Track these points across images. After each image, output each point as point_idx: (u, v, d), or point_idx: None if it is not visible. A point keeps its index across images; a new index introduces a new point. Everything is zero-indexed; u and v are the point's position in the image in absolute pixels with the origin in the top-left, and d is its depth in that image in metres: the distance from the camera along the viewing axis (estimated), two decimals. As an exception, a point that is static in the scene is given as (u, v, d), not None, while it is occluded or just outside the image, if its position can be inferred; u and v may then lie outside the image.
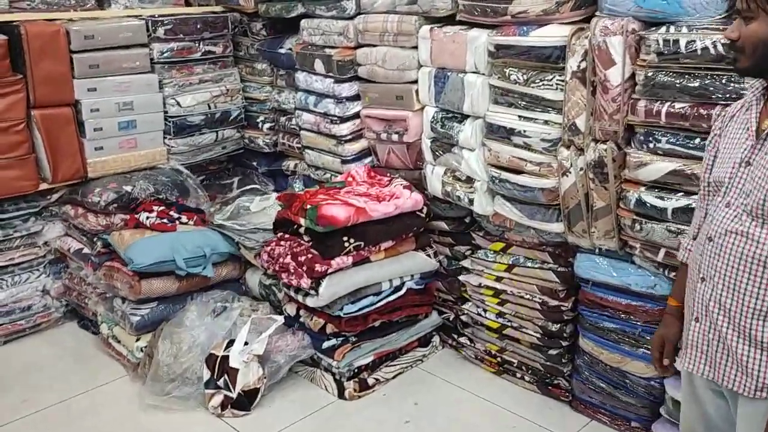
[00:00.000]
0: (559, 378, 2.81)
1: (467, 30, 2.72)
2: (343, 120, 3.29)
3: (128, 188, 3.38)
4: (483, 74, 2.70)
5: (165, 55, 3.55)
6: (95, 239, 3.31)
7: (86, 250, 3.36)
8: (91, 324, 3.45)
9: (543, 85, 2.47)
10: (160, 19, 3.50)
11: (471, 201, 2.86)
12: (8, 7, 3.14)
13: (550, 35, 2.41)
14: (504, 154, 2.64)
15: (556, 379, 2.82)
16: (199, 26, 3.63)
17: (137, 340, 3.06)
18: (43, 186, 3.34)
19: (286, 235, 3.01)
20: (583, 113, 2.36)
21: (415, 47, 2.93)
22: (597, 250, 2.52)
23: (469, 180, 2.87)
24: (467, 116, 2.82)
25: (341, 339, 2.91)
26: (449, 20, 2.84)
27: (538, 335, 2.81)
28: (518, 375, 2.94)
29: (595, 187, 2.38)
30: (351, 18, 3.15)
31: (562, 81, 2.41)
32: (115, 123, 3.46)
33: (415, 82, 2.98)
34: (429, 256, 3.10)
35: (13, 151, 3.17)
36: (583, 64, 2.31)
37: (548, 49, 2.41)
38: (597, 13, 2.31)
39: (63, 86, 3.25)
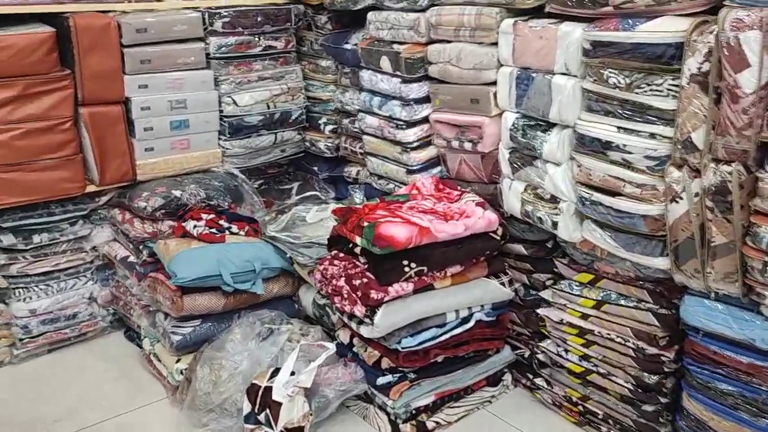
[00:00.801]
0: (655, 439, 2.36)
1: (558, 24, 2.31)
2: (410, 125, 2.93)
3: (177, 193, 3.14)
4: (575, 76, 2.29)
5: (222, 50, 3.28)
6: (141, 247, 3.08)
7: (132, 259, 3.14)
8: (136, 336, 3.24)
9: (650, 90, 2.03)
10: (218, 11, 3.23)
11: (555, 224, 2.44)
12: (57, -3, 2.94)
13: (664, 30, 1.97)
14: (597, 172, 2.22)
15: (650, 440, 2.38)
16: (259, 19, 3.35)
17: (177, 361, 2.81)
18: (91, 188, 3.15)
19: (341, 254, 2.68)
20: (703, 126, 1.91)
21: (495, 44, 2.53)
22: (713, 295, 2.06)
23: (554, 199, 2.45)
24: (554, 125, 2.41)
25: (398, 375, 2.56)
26: (536, 12, 2.44)
27: (631, 387, 2.37)
28: (603, 429, 2.51)
29: (715, 219, 1.93)
30: (423, 10, 2.79)
31: (676, 86, 1.96)
32: (167, 122, 3.23)
33: (494, 83, 2.59)
34: (503, 284, 2.70)
35: (60, 151, 2.98)
36: (706, 66, 1.86)
37: (660, 47, 1.97)
38: (726, 3, 1.85)
39: (113, 83, 3.04)
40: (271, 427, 2.46)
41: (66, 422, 2.69)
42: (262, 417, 2.48)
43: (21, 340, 3.11)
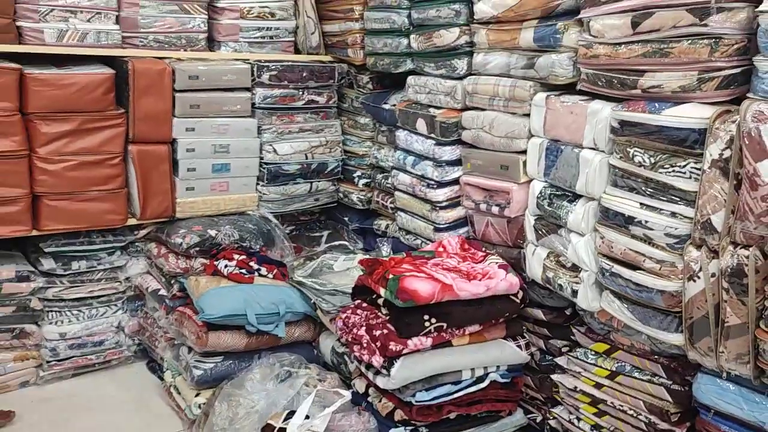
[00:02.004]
0: None
1: (588, 101, 2.42)
2: (441, 185, 3.04)
3: (213, 232, 3.27)
4: (602, 152, 2.38)
5: (267, 100, 3.47)
6: (172, 281, 3.20)
7: (162, 292, 3.26)
8: (158, 368, 3.33)
9: (674, 171, 2.12)
10: (267, 64, 3.43)
11: (575, 292, 2.50)
12: (120, 42, 3.15)
13: (688, 116, 2.07)
14: (619, 245, 2.29)
15: None
16: (305, 74, 3.54)
17: (197, 395, 2.88)
18: (131, 221, 3.30)
19: (364, 304, 2.76)
20: (722, 210, 1.98)
21: (527, 115, 2.65)
22: (724, 374, 2.10)
23: (575, 268, 2.52)
24: (579, 196, 2.50)
25: (411, 429, 2.59)
26: (568, 89, 2.56)
27: (641, 461, 2.38)
28: (612, 503, 2.51)
29: (730, 300, 1.98)
30: (460, 78, 2.94)
31: (698, 169, 2.05)
32: (209, 165, 3.39)
33: (524, 152, 2.70)
34: (520, 346, 2.75)
35: (107, 184, 3.16)
36: (727, 153, 1.95)
37: (684, 131, 2.07)
38: (749, 95, 1.95)
39: (162, 124, 3.23)
40: (282, 469, 2.51)
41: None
42: (274, 458, 2.53)
43: (48, 362, 3.22)
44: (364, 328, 2.64)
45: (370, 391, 2.73)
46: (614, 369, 2.47)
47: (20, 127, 2.90)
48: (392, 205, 3.42)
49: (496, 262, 2.76)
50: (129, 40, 3.20)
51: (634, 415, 2.39)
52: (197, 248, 3.22)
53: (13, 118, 2.87)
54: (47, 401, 3.09)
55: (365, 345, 2.60)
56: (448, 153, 3.00)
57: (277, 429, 2.57)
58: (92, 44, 3.08)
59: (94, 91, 3.02)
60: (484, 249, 2.92)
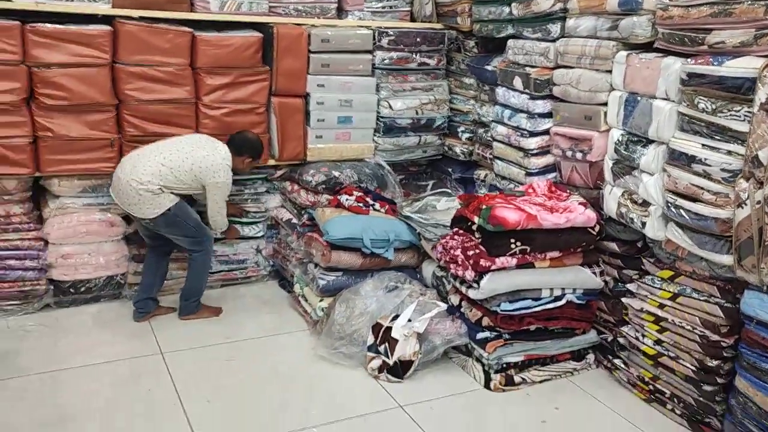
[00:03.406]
0: (711, 416, 2.73)
1: (662, 57, 2.79)
2: (533, 134, 3.48)
3: (336, 173, 3.89)
4: (672, 101, 2.75)
5: (385, 62, 4.02)
6: (303, 212, 3.85)
7: (294, 221, 3.92)
8: (287, 284, 4.00)
9: (730, 115, 2.47)
10: (386, 30, 3.98)
11: (643, 224, 2.89)
12: (267, 11, 3.79)
13: (744, 66, 2.41)
14: (683, 181, 2.66)
15: (707, 417, 2.74)
16: (418, 39, 4.05)
17: (320, 300, 3.52)
18: (271, 162, 3.97)
19: (461, 231, 3.27)
20: (767, 146, 2.33)
21: (609, 71, 3.04)
22: (765, 288, 2.45)
23: (645, 204, 2.91)
24: (651, 141, 2.87)
25: (495, 334, 3.09)
26: (646, 47, 2.93)
27: (694, 369, 2.76)
28: (669, 406, 2.90)
29: (769, 222, 2.33)
30: (554, 40, 3.35)
31: (750, 113, 2.39)
32: (335, 117, 4.00)
33: (605, 104, 3.09)
34: (595, 273, 3.17)
35: (254, 129, 3.80)
36: (771, 96, 2.29)
37: (740, 80, 2.42)
38: (794, 47, 2.28)
39: (298, 80, 3.85)
40: (388, 357, 3.09)
41: (233, 337, 3.45)
42: (381, 348, 3.11)
43: (203, 273, 3.96)
44: (459, 249, 3.15)
45: (463, 303, 3.25)
46: (676, 292, 2.84)
47: (190, 79, 3.61)
48: (491, 156, 3.88)
49: (577, 200, 3.19)
50: (274, 9, 3.84)
51: (691, 329, 2.76)
52: (323, 185, 3.84)
53: (185, 72, 3.59)
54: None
55: (460, 262, 3.11)
56: (540, 106, 3.43)
57: (384, 327, 3.16)
58: (245, 12, 3.74)
59: (246, 51, 3.68)
60: (568, 191, 3.34)
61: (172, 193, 3.31)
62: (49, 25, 3.26)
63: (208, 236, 3.52)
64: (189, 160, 3.29)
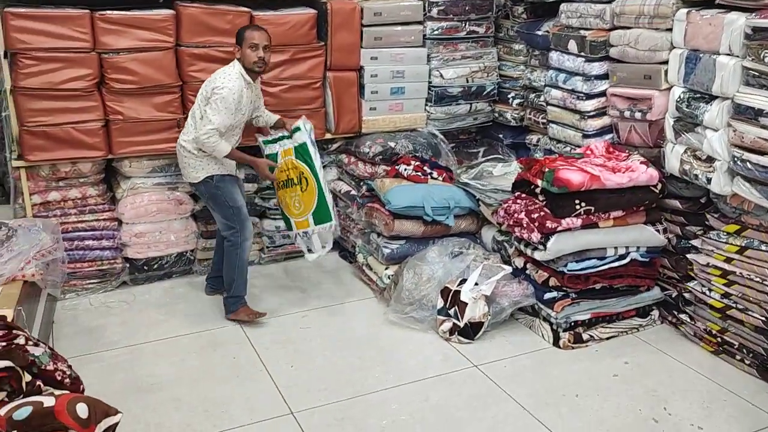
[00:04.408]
0: (782, 365, 2.80)
1: (725, 13, 2.80)
2: (590, 97, 3.52)
3: (392, 144, 3.97)
4: (736, 56, 2.77)
5: (435, 32, 4.06)
6: (361, 183, 3.95)
7: (353, 192, 4.02)
8: (349, 255, 4.12)
9: (799, 67, 2.49)
10: (435, 0, 4.01)
11: (709, 180, 2.94)
12: (320, -13, 3.87)
13: (813, 17, 2.43)
14: (749, 135, 2.70)
15: (778, 366, 2.81)
16: (467, 8, 4.09)
17: (386, 269, 3.62)
18: (327, 136, 4.06)
19: (523, 195, 3.34)
20: (839, 95, 2.35)
21: (669, 29, 3.06)
22: (838, 236, 2.49)
23: (710, 159, 2.95)
24: (715, 97, 2.90)
25: (562, 293, 3.17)
26: (706, 4, 2.94)
27: (764, 319, 2.81)
28: (738, 357, 2.97)
29: (843, 171, 2.36)
30: (609, 2, 3.37)
31: (820, 63, 2.42)
32: (388, 88, 4.06)
33: (665, 62, 3.11)
34: (658, 231, 3.22)
35: (311, 104, 3.91)
36: None
37: (809, 31, 2.44)
38: None
39: (352, 54, 3.92)
40: (458, 320, 3.19)
41: (301, 304, 3.59)
42: (451, 312, 3.22)
43: (267, 247, 4.09)
44: (523, 212, 3.23)
45: (528, 265, 3.33)
46: (743, 245, 2.89)
47: (250, 58, 3.69)
48: (543, 120, 3.93)
49: (638, 159, 3.23)
50: (326, -15, 3.90)
51: (760, 281, 2.81)
52: (380, 156, 3.93)
53: (244, 51, 3.67)
54: (268, 276, 3.96)
55: (525, 225, 3.19)
56: (597, 68, 3.47)
57: (452, 291, 3.26)
58: (298, -10, 3.81)
59: (302, 28, 3.76)
60: (627, 151, 3.38)
61: (204, 162, 3.23)
62: (116, 12, 3.37)
63: (244, 229, 3.31)
64: (200, 96, 3.22)
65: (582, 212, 3.09)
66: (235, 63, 3.22)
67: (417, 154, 4.00)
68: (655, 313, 3.35)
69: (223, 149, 3.18)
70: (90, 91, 3.41)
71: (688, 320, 3.19)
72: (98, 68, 3.41)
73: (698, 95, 2.97)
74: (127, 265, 3.74)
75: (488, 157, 4.27)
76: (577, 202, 3.09)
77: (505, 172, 3.86)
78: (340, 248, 4.26)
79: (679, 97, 3.05)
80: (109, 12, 3.35)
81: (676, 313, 3.27)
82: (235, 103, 3.14)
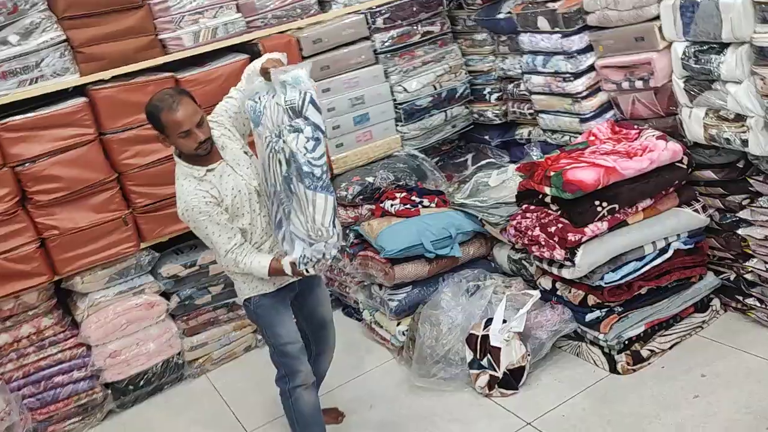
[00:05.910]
0: None
1: (718, -56, 2.34)
2: (577, 75, 3.05)
3: (370, 179, 3.50)
4: (743, -8, 2.31)
5: (386, 44, 3.59)
6: (347, 231, 3.47)
7: (341, 243, 3.53)
8: (354, 312, 3.64)
9: (829, -13, 2.03)
10: (378, 9, 3.55)
11: (744, 142, 2.47)
12: (246, 28, 3.39)
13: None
14: (782, 80, 2.23)
15: None
16: (414, 9, 3.62)
17: (398, 324, 3.15)
18: (296, 188, 3.58)
19: (532, 207, 2.87)
20: None
21: (653, -21, 2.60)
22: None
23: (739, 117, 2.48)
24: (727, 45, 2.43)
25: (605, 310, 2.70)
26: (692, -62, 2.47)
27: None
28: (829, 338, 2.50)
29: None
30: (573, -37, 2.90)
31: None
32: (350, 119, 3.60)
33: (656, 18, 2.65)
34: (696, 211, 2.75)
35: (268, 159, 3.43)
36: None
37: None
38: None
39: (301, 92, 3.44)
40: (495, 370, 2.72)
41: (322, 388, 3.06)
42: (484, 362, 2.74)
43: (261, 325, 3.61)
44: (537, 228, 2.76)
45: (558, 285, 2.86)
46: (803, 207, 2.43)
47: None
48: (530, 111, 3.46)
49: (653, 135, 2.76)
50: (252, 24, 3.42)
51: (836, 246, 2.35)
52: (361, 196, 3.46)
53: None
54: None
55: (543, 243, 2.72)
56: (577, 42, 3.00)
57: (480, 337, 2.78)
58: (223, 37, 3.33)
59: (236, 78, 3.26)
60: (636, 126, 2.91)
61: (247, 279, 2.45)
62: (18, 117, 2.90)
63: (293, 374, 2.47)
64: None
65: (605, 213, 2.62)
66: (175, 159, 2.36)
67: (401, 183, 3.53)
68: (716, 302, 2.87)
69: (259, 265, 2.33)
70: (13, 212, 2.94)
71: (757, 304, 2.72)
72: (16, 184, 2.93)
73: (706, 46, 2.51)
74: (109, 391, 3.26)
75: (479, 164, 3.79)
76: (597, 203, 2.61)
77: (502, 180, 3.37)
78: (342, 305, 3.79)
79: (684, 53, 2.58)
80: (10, 119, 2.88)
81: (740, 298, 2.80)
82: (215, 213, 2.29)
